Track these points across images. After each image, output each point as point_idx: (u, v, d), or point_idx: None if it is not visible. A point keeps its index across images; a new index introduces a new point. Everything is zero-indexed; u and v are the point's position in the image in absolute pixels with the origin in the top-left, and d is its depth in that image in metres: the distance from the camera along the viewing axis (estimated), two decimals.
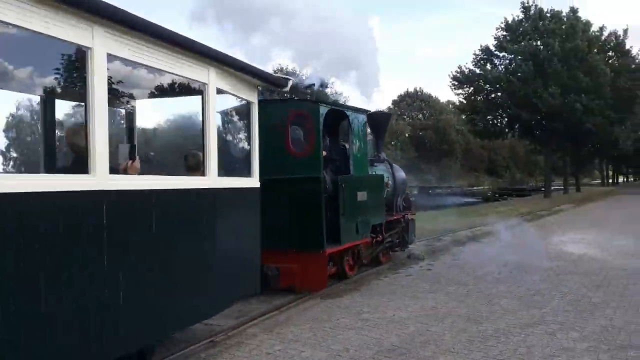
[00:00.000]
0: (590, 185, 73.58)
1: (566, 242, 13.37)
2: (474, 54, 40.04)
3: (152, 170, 5.09)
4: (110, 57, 3.78)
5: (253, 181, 5.87)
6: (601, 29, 40.87)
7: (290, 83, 6.33)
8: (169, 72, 4.66)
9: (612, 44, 41.10)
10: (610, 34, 41.25)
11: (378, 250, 9.87)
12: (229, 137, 5.81)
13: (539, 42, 37.14)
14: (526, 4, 38.98)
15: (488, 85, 39.02)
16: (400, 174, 11.29)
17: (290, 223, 7.57)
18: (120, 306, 3.81)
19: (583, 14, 44.83)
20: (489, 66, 39.26)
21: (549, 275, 8.96)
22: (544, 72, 34.99)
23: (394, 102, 66.36)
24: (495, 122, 40.31)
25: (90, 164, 3.57)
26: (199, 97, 4.99)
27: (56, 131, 5.23)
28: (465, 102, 39.85)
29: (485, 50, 39.64)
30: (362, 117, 9.19)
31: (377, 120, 10.42)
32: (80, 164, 3.77)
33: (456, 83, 40.37)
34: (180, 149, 6.21)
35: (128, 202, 3.97)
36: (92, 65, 3.57)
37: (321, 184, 7.70)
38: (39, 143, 5.09)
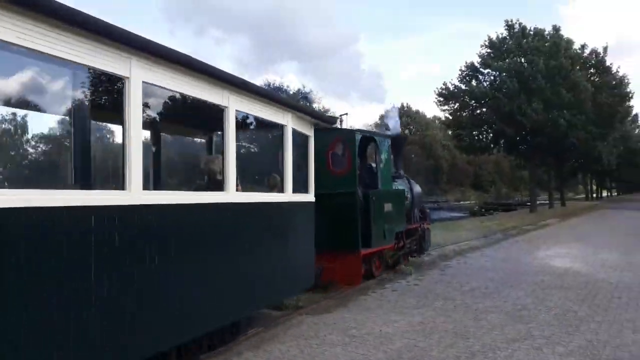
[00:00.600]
0: (575, 199, 74.36)
1: (552, 256, 13.47)
2: (460, 70, 40.50)
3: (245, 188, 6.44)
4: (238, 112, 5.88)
5: (310, 197, 7.74)
6: (583, 46, 41.69)
7: (338, 121, 8.77)
8: (260, 117, 6.45)
9: (593, 62, 41.90)
10: (591, 52, 42.09)
11: (400, 255, 11.42)
12: (295, 163, 7.22)
13: (523, 60, 37.75)
14: (510, 22, 39.69)
15: (473, 101, 39.45)
16: (417, 188, 12.87)
17: (331, 230, 8.77)
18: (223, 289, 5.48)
19: (565, 32, 45.69)
20: (474, 82, 39.76)
21: (535, 289, 9.00)
22: (529, 88, 35.53)
23: (381, 117, 66.81)
24: (481, 137, 40.66)
25: (225, 184, 5.50)
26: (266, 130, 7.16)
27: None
28: (451, 117, 40.21)
29: (471, 66, 40.15)
30: (387, 141, 11.00)
31: (396, 142, 11.99)
32: (216, 184, 5.82)
33: (442, 99, 40.75)
34: (260, 172, 8.48)
35: (243, 210, 5.89)
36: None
37: (356, 198, 9.32)
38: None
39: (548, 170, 45.43)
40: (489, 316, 7.18)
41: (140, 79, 4.24)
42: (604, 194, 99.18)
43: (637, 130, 72.89)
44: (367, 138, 10.53)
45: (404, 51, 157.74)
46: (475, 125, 38.78)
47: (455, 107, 40.61)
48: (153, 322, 4.39)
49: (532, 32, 39.21)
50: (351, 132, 10.00)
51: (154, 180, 6.91)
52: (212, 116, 6.07)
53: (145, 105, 5.13)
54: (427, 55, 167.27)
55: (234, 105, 5.56)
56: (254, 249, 6.01)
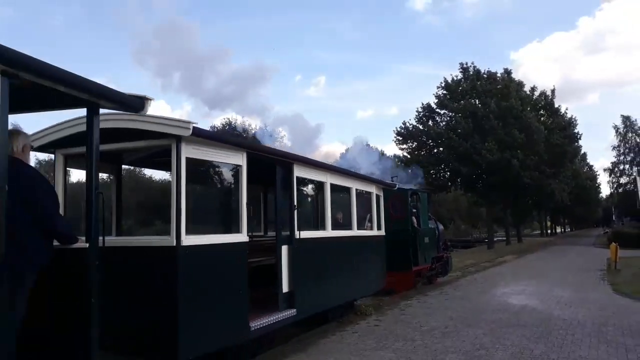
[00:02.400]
0: (531, 235, 76.30)
1: (509, 293, 13.67)
2: (417, 111, 41.70)
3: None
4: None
5: (382, 232, 12.32)
6: (532, 89, 43.72)
7: (396, 185, 13.83)
8: (361, 189, 11.18)
9: (542, 103, 43.89)
10: (540, 94, 44.12)
11: (431, 274, 16.03)
12: (374, 210, 12.01)
13: (477, 101, 39.19)
14: (465, 65, 41.32)
15: (430, 141, 40.49)
16: (441, 227, 17.89)
17: (393, 255, 13.01)
18: (344, 283, 9.70)
19: (515, 75, 47.77)
20: (431, 122, 40.89)
21: (493, 328, 9.08)
22: (482, 128, 36.78)
23: (342, 156, 67.46)
24: (439, 176, 41.60)
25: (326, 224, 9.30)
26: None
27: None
28: (409, 156, 41.04)
29: (427, 107, 41.38)
30: (425, 194, 16.56)
31: (427, 195, 17.26)
32: (349, 225, 10.43)
33: (400, 138, 41.67)
34: (361, 218, 11.58)
35: (360, 238, 10.84)
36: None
37: (409, 234, 14.36)
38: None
39: (505, 208, 46.59)
40: (448, 357, 7.17)
41: None
42: (558, 229, 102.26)
43: (586, 169, 76.16)
44: (414, 193, 15.47)
45: (362, 93, 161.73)
46: (432, 164, 39.69)
47: (414, 146, 41.57)
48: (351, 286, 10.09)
49: (485, 75, 40.91)
50: (405, 190, 14.79)
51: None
52: (342, 192, 10.54)
53: None
54: (384, 97, 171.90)
55: (354, 186, 10.53)
56: (358, 262, 10.44)
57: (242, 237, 6.38)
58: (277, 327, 7.17)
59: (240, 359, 6.72)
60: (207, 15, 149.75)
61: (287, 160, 7.80)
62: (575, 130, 47.03)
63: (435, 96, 41.27)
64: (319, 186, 9.69)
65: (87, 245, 4.13)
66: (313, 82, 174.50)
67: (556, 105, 44.71)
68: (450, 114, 39.94)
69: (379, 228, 12.01)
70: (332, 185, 9.34)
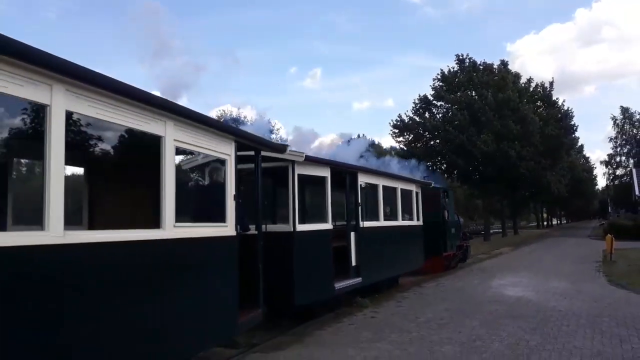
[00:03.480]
0: (527, 227, 76.52)
1: (505, 285, 13.73)
2: (414, 103, 41.64)
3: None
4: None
5: (420, 222, 15.32)
6: (529, 80, 43.66)
7: (432, 183, 17.40)
8: (403, 188, 13.95)
9: (539, 95, 43.83)
10: (537, 86, 44.06)
11: (455, 260, 19.06)
12: (414, 205, 14.91)
13: (473, 93, 39.13)
14: (461, 57, 41.24)
15: (427, 133, 40.45)
16: (461, 219, 22.00)
17: (427, 243, 15.59)
18: (392, 261, 12.72)
19: (512, 67, 47.89)
20: (427, 114, 40.84)
21: (489, 319, 9.12)
22: (479, 120, 36.75)
23: (338, 148, 67.42)
24: (435, 168, 41.63)
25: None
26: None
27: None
28: (405, 149, 41.02)
29: (424, 99, 41.31)
30: (452, 191, 20.82)
31: (453, 191, 21.66)
32: (396, 216, 13.69)
33: (396, 131, 41.61)
34: (404, 210, 14.09)
35: (404, 228, 13.90)
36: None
37: (441, 225, 17.22)
38: None
39: (501, 200, 46.70)
40: (444, 348, 7.20)
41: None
42: (554, 221, 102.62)
43: (582, 161, 76.35)
44: (445, 190, 18.70)
45: (358, 85, 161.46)
46: (428, 156, 39.69)
47: (410, 138, 41.53)
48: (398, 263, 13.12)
49: (481, 67, 40.82)
50: (438, 189, 17.90)
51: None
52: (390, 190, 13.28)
53: None
54: (380, 89, 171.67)
55: (399, 186, 13.52)
56: (402, 245, 13.51)
57: (328, 225, 9.77)
58: (349, 290, 10.34)
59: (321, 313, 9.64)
60: (200, 8, 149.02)
61: (353, 171, 11.11)
62: (572, 122, 47.10)
63: (432, 88, 41.22)
64: (375, 187, 12.17)
65: (256, 232, 7.22)
66: (309, 74, 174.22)
67: (553, 98, 44.69)
68: (447, 105, 39.90)
69: (417, 219, 15.13)
70: (383, 186, 12.38)
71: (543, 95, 43.90)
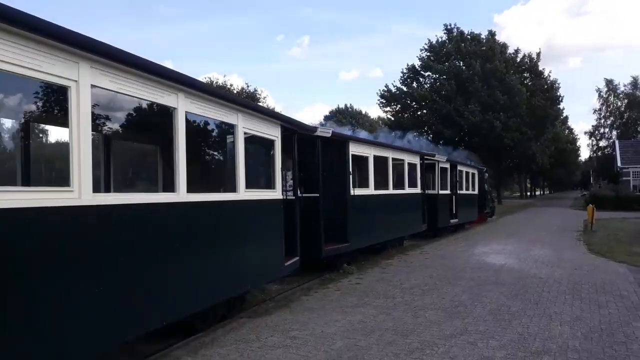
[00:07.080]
0: (511, 198, 77.46)
1: (488, 252, 13.97)
2: (402, 72, 41.45)
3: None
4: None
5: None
6: (516, 51, 43.58)
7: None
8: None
9: (526, 66, 43.83)
10: (524, 56, 44.00)
11: (489, 215, 27.71)
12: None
13: (461, 63, 38.98)
14: (449, 27, 40.90)
15: (414, 103, 40.40)
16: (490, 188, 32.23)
17: (478, 205, 25.15)
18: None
19: (499, 38, 47.66)
20: (415, 84, 40.69)
21: (472, 286, 9.30)
22: (466, 90, 36.74)
23: (326, 118, 67.21)
24: (422, 138, 41.71)
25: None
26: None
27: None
28: (393, 119, 41.00)
29: (412, 69, 41.09)
30: (485, 170, 28.07)
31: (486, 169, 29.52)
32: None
33: (384, 101, 41.47)
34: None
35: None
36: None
37: (484, 193, 26.71)
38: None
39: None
40: (428, 313, 7.35)
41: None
42: (538, 192, 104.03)
43: (566, 132, 76.99)
44: (485, 170, 27.07)
45: (346, 54, 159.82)
46: (416, 126, 39.72)
47: (397, 108, 41.47)
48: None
49: (469, 37, 40.57)
50: (482, 168, 26.53)
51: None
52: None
53: None
54: (368, 58, 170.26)
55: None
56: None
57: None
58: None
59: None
60: None
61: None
62: (557, 93, 47.28)
63: (419, 58, 40.96)
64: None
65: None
66: (297, 42, 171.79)
67: (540, 69, 44.72)
68: (435, 75, 39.76)
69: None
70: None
71: (530, 66, 43.92)
